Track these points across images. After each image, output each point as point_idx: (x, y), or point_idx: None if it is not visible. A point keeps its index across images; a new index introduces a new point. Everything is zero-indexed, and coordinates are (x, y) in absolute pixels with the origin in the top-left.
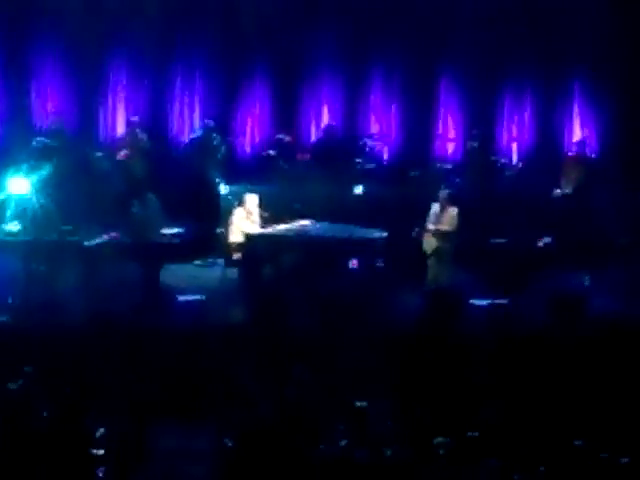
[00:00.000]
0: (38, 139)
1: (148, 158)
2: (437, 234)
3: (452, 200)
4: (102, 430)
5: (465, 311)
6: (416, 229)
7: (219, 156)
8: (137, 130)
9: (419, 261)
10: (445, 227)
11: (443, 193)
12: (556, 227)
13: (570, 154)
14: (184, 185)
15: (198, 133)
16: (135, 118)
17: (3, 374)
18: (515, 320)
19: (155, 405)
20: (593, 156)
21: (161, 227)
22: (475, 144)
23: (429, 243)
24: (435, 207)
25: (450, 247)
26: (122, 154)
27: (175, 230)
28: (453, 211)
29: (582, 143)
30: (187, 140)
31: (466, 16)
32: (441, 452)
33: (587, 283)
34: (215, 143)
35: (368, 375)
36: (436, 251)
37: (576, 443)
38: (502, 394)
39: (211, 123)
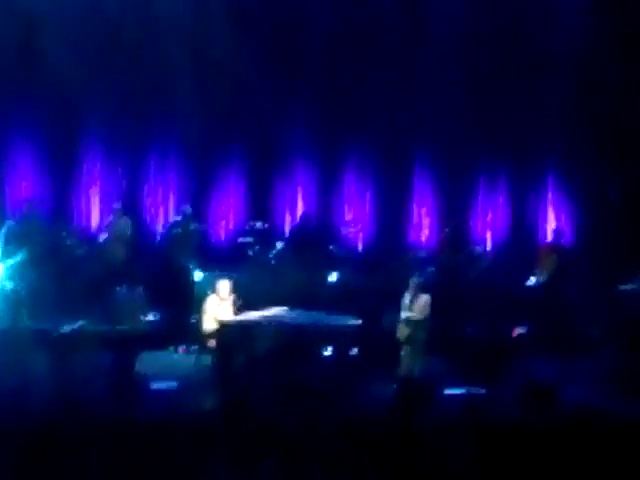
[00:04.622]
0: (11, 224)
1: (129, 245)
2: (409, 322)
3: (423, 288)
4: None
5: (437, 400)
6: (386, 317)
7: (194, 243)
8: (122, 216)
9: (393, 350)
10: (416, 315)
11: (414, 280)
12: (530, 316)
13: (545, 243)
14: (158, 272)
15: (176, 219)
16: (118, 204)
17: None
18: (489, 410)
19: None
20: (568, 245)
21: (143, 314)
22: (449, 232)
23: (402, 331)
24: (407, 295)
25: (422, 335)
26: (102, 238)
27: (149, 317)
28: (424, 299)
29: (557, 232)
30: (164, 227)
31: (440, 104)
32: None
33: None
34: (191, 229)
35: (339, 464)
36: (408, 339)
37: None
38: None
39: (189, 209)
